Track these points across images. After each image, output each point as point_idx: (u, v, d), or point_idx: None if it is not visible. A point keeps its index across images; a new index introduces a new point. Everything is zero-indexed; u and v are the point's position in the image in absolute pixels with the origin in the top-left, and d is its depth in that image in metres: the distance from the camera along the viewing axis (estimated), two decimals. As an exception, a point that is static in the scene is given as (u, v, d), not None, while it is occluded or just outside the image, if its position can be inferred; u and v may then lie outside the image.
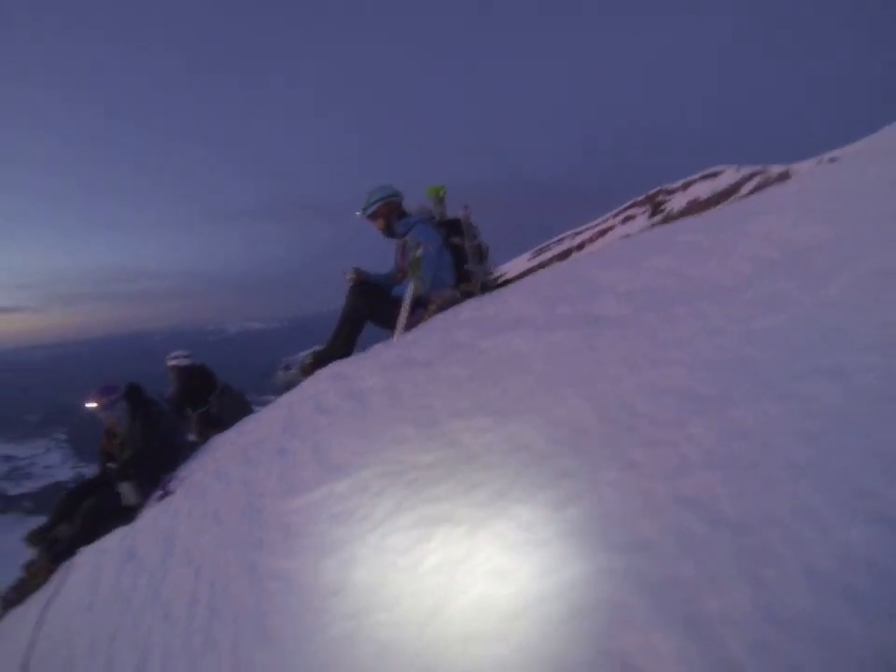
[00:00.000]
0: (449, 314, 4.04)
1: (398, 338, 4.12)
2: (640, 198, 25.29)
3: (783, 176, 18.41)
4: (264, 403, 6.03)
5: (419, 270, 4.33)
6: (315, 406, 3.52)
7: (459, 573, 1.77)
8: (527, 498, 1.88)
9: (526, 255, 26.71)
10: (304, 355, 4.86)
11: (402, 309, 4.23)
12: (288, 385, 4.97)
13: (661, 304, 2.73)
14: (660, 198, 23.53)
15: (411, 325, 4.25)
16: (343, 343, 4.56)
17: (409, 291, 4.26)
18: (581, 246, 21.99)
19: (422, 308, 4.41)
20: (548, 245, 26.94)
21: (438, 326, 3.83)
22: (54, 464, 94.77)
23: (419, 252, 4.36)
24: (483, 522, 1.89)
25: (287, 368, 5.53)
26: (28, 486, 73.44)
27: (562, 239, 26.90)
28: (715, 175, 22.84)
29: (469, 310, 3.81)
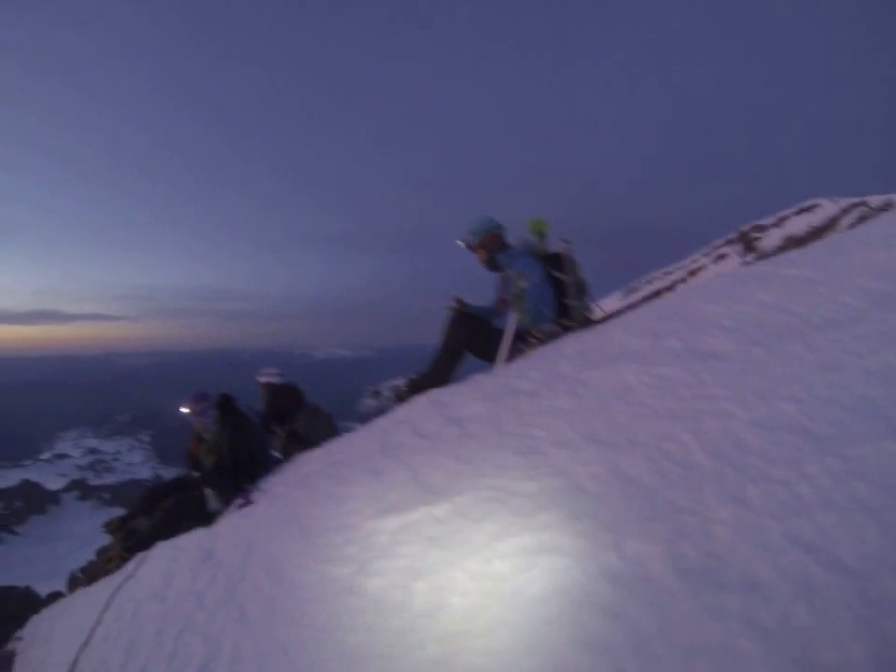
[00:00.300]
0: (551, 346, 3.99)
1: (499, 369, 4.07)
2: (732, 235, 24.48)
3: (885, 207, 17.43)
4: (347, 430, 6.06)
5: (523, 302, 4.30)
6: (412, 430, 3.49)
7: (562, 605, 1.71)
8: (637, 532, 1.83)
9: (616, 294, 26.19)
10: (398, 382, 4.85)
11: (504, 340, 4.19)
12: (379, 411, 4.96)
13: (769, 339, 2.66)
14: (753, 235, 22.58)
15: (511, 357, 4.21)
16: (441, 372, 4.55)
17: (511, 323, 4.22)
18: (672, 287, 21.38)
19: (522, 341, 4.36)
20: (638, 285, 26.40)
21: (540, 357, 3.78)
22: (135, 462, 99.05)
23: (523, 284, 4.33)
24: (590, 553, 1.83)
25: (378, 394, 5.53)
26: (108, 479, 76.91)
27: (652, 279, 26.31)
28: (811, 208, 21.83)
29: (572, 342, 3.75)
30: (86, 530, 49.84)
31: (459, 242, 4.92)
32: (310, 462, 4.47)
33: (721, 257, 23.12)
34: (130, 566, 4.24)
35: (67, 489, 61.84)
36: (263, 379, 7.01)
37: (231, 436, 5.26)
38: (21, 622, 5.01)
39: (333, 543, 2.72)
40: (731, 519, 1.71)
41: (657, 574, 1.66)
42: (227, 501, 4.86)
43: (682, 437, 2.19)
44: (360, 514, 2.83)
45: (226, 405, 5.52)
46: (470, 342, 4.56)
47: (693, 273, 23.24)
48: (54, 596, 5.98)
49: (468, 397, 3.56)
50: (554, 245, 4.72)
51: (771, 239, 21.29)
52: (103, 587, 4.31)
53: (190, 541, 3.93)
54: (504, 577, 1.94)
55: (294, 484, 3.97)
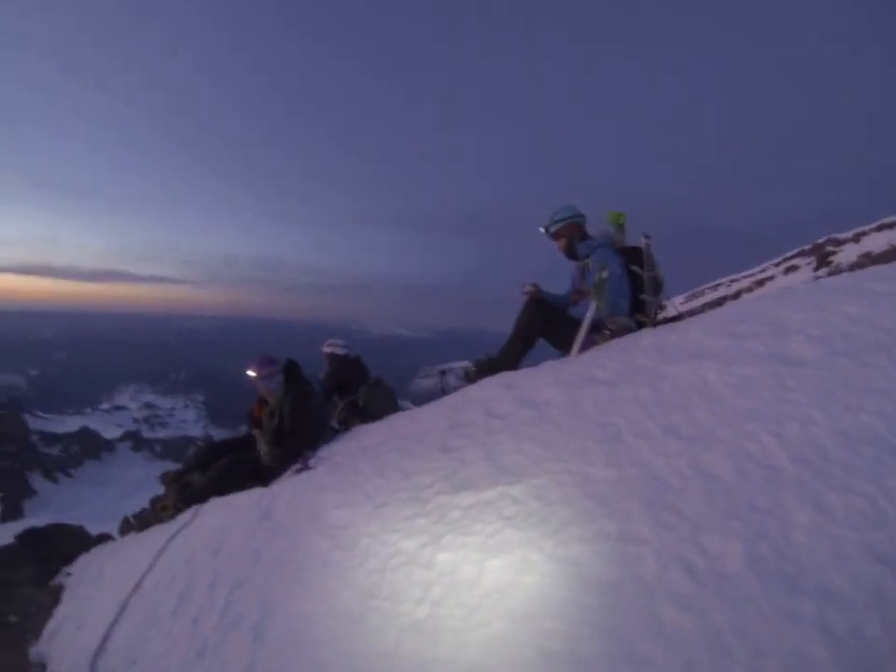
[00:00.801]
0: (627, 339, 3.96)
1: (574, 357, 4.04)
2: (806, 247, 23.55)
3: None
4: (402, 408, 6.11)
5: (603, 293, 4.24)
6: (484, 410, 3.48)
7: (637, 593, 1.73)
8: (718, 528, 1.85)
9: (680, 298, 25.60)
10: (460, 364, 4.83)
11: (581, 329, 4.15)
12: (442, 390, 4.95)
13: (856, 351, 2.63)
14: (828, 248, 21.64)
15: (583, 347, 4.17)
16: (513, 356, 4.56)
17: (590, 312, 4.19)
18: (737, 295, 20.76)
19: (596, 332, 4.32)
20: (702, 290, 25.82)
21: (616, 349, 3.75)
22: (188, 420, 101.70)
23: (605, 274, 4.27)
24: (670, 545, 1.86)
25: (444, 373, 5.52)
26: (161, 434, 79.17)
27: (717, 285, 25.69)
28: (892, 225, 20.85)
29: (649, 337, 3.72)
30: (136, 479, 51.62)
31: (541, 228, 4.90)
32: (372, 434, 4.48)
33: (792, 268, 22.34)
34: (184, 517, 4.32)
35: (122, 439, 63.84)
36: (329, 349, 7.01)
37: (294, 402, 5.29)
38: (70, 558, 5.15)
39: (401, 515, 2.73)
40: (810, 525, 1.73)
41: (734, 572, 1.67)
42: (284, 465, 4.91)
43: (764, 438, 2.19)
44: (431, 488, 2.83)
45: (292, 371, 5.55)
46: (546, 329, 4.55)
47: (760, 282, 22.56)
48: (103, 538, 6.15)
49: (542, 381, 3.54)
50: (634, 240, 4.65)
51: (847, 254, 20.49)
52: (156, 534, 4.40)
53: (247, 500, 3.97)
54: (580, 561, 1.94)
55: (357, 455, 3.99)
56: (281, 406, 5.33)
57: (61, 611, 3.93)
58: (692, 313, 5.06)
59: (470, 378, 4.60)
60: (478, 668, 1.74)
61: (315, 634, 2.29)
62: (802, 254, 23.35)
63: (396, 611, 2.15)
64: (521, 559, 2.06)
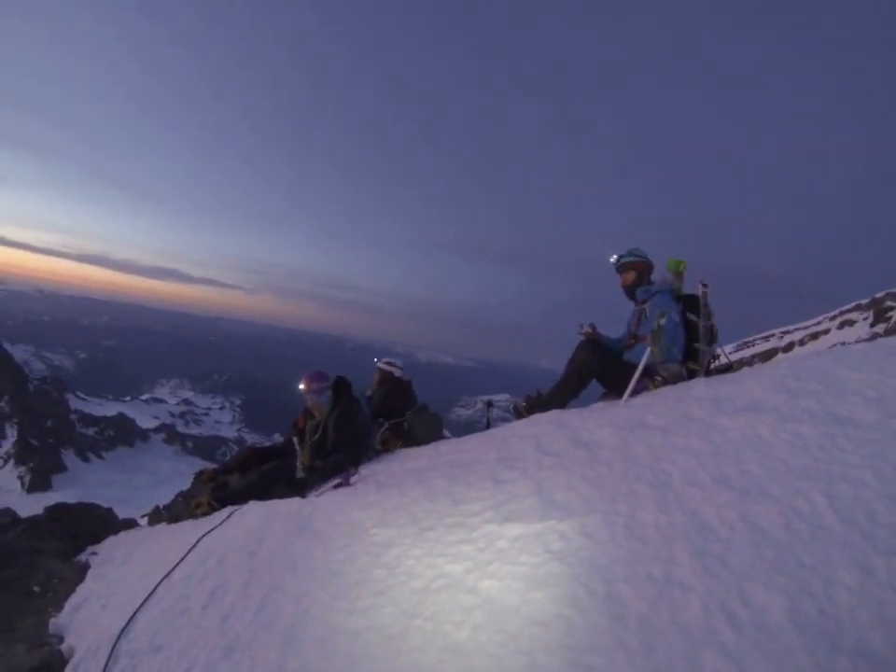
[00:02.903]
0: (680, 387, 3.98)
1: (625, 401, 4.06)
2: (864, 301, 22.86)
3: None
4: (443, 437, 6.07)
5: (660, 339, 4.26)
6: (535, 445, 3.52)
7: (681, 639, 1.76)
8: (763, 581, 1.87)
9: (729, 347, 25.12)
10: (505, 397, 4.88)
11: (636, 373, 4.16)
12: (488, 423, 5.00)
13: None
14: (887, 304, 20.92)
15: (634, 392, 4.19)
16: (565, 395, 4.62)
17: (645, 357, 4.19)
18: (789, 347, 20.32)
19: (647, 378, 4.35)
20: (753, 341, 25.38)
21: (669, 396, 3.77)
22: (223, 421, 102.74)
23: (663, 321, 4.30)
24: (715, 594, 1.88)
25: (490, 405, 5.54)
26: (195, 430, 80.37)
27: (769, 336, 25.22)
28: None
29: (702, 386, 3.72)
30: (164, 470, 52.75)
31: (614, 257, 5.00)
32: (417, 458, 4.54)
33: (848, 322, 21.76)
34: (219, 515, 4.33)
35: (156, 430, 65.02)
36: (386, 367, 6.96)
37: (339, 417, 5.35)
38: (97, 539, 5.21)
39: (447, 539, 2.76)
40: (854, 585, 1.74)
41: (776, 625, 1.69)
42: (324, 479, 4.94)
43: (814, 497, 2.21)
44: (479, 516, 2.87)
45: (341, 388, 5.61)
46: (601, 371, 4.60)
47: (814, 336, 22.03)
48: (129, 523, 6.25)
49: (594, 423, 3.57)
50: (691, 287, 4.70)
51: (906, 311, 19.81)
52: (188, 528, 4.46)
53: (288, 507, 4.00)
54: (624, 601, 1.97)
55: (404, 477, 4.04)
56: (327, 420, 5.40)
57: (84, 588, 3.97)
58: (741, 363, 5.02)
59: (520, 413, 4.65)
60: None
61: (351, 646, 2.30)
62: (858, 308, 22.74)
63: (437, 631, 2.17)
64: (565, 593, 2.09)
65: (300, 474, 5.20)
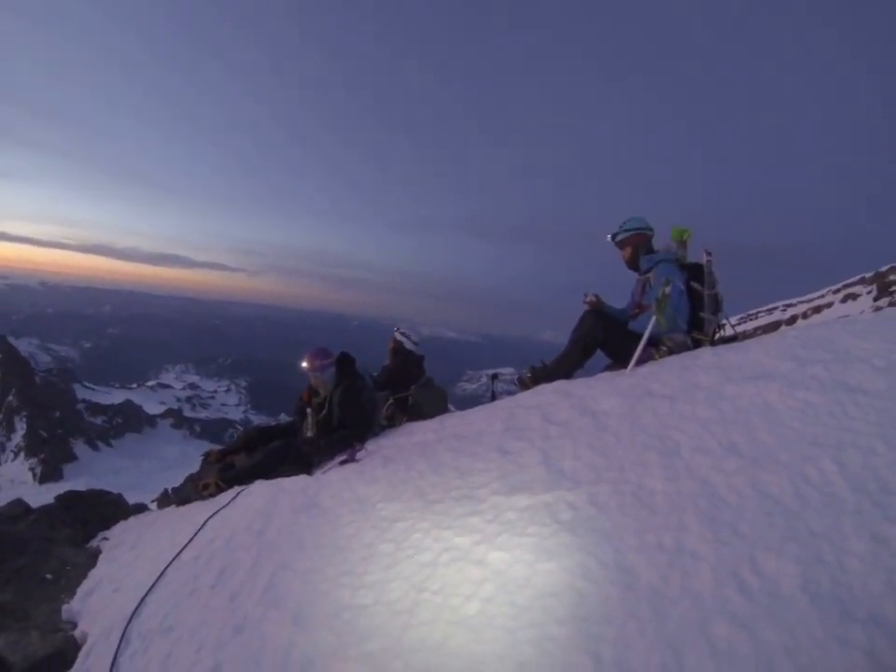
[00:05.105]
0: (686, 356, 3.95)
1: (630, 370, 4.03)
2: (868, 274, 22.75)
3: None
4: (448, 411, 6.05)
5: (665, 307, 4.22)
6: (541, 416, 3.50)
7: (693, 608, 1.75)
8: (775, 549, 1.86)
9: (733, 319, 25.19)
10: (510, 370, 4.88)
11: (641, 342, 4.13)
12: (493, 395, 4.98)
13: None
14: (891, 277, 20.83)
15: (640, 361, 4.15)
16: (570, 365, 4.60)
17: (650, 326, 4.16)
18: (792, 320, 20.24)
19: (652, 347, 4.32)
20: (756, 313, 25.34)
21: (675, 365, 3.74)
22: (229, 403, 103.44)
23: (668, 290, 4.26)
24: (726, 562, 1.87)
25: (496, 377, 5.52)
26: (202, 414, 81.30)
27: (772, 309, 25.16)
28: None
29: (708, 355, 3.69)
30: (173, 454, 53.60)
31: (608, 236, 4.94)
32: (423, 432, 4.52)
33: (851, 296, 21.67)
34: (227, 495, 4.36)
35: (164, 416, 65.82)
36: (401, 337, 6.82)
37: (344, 394, 5.34)
38: (108, 524, 5.28)
39: (455, 512, 2.75)
40: (866, 554, 1.73)
41: (788, 594, 1.68)
42: (329, 454, 4.95)
43: (825, 465, 2.19)
44: (486, 488, 2.86)
45: (345, 364, 5.60)
46: (605, 339, 4.58)
47: (817, 309, 21.95)
48: (140, 507, 6.31)
49: (600, 392, 3.55)
50: (696, 256, 4.66)
51: (911, 284, 19.69)
52: (196, 510, 4.48)
53: (294, 485, 4.01)
54: (635, 570, 1.96)
55: (410, 451, 4.03)
56: (331, 397, 5.39)
57: (96, 573, 4.00)
58: (745, 335, 4.99)
59: (525, 385, 4.63)
60: (528, 668, 1.76)
61: (361, 622, 2.29)
62: (862, 281, 22.65)
63: (446, 605, 2.17)
64: (575, 564, 2.08)
65: (301, 446, 5.18)
